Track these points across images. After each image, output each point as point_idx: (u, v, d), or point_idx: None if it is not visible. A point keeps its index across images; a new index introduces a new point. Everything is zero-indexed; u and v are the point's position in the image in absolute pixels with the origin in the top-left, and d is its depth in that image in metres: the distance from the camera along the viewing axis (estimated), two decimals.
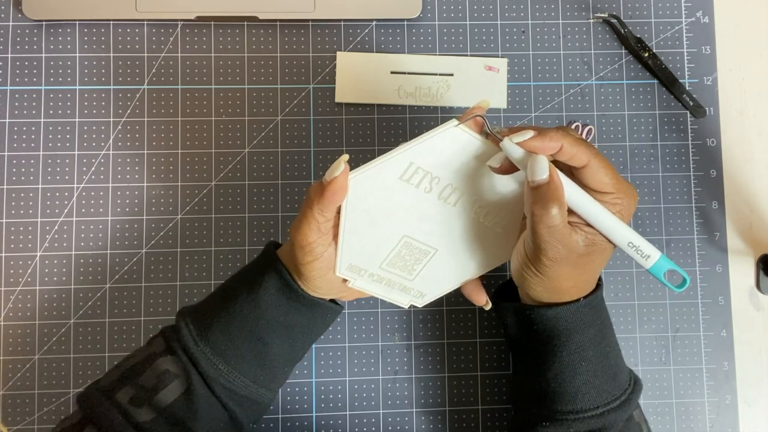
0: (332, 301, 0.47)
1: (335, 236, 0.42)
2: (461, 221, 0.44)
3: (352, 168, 0.40)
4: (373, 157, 0.58)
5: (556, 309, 0.42)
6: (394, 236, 0.43)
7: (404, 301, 0.48)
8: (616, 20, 0.57)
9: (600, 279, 0.45)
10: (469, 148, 0.41)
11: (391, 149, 0.40)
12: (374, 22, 0.58)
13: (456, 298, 0.56)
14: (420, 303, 0.48)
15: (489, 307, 0.48)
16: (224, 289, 0.46)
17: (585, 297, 0.42)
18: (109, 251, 0.55)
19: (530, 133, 0.38)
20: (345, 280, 0.45)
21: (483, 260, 0.46)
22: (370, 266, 0.44)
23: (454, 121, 0.39)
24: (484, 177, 0.42)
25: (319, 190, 0.39)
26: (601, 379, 0.42)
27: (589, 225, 0.40)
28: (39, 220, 0.55)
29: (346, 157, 0.39)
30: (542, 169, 0.38)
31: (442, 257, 0.45)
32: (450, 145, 0.40)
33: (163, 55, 0.57)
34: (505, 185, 0.43)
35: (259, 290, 0.43)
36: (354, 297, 0.48)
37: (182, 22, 0.57)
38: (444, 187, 0.42)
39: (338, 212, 0.41)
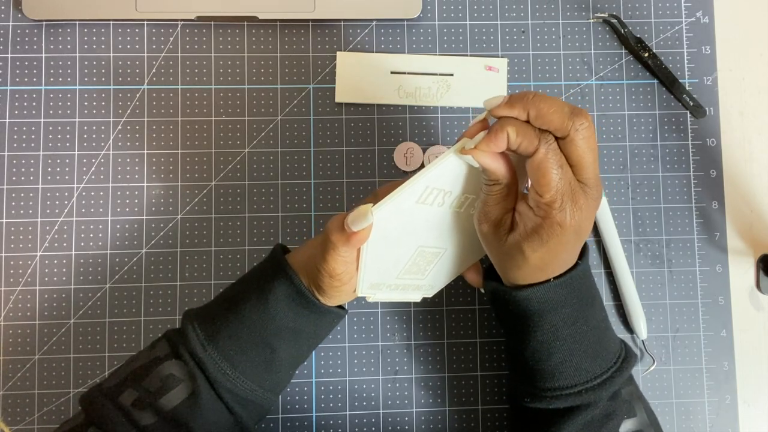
0: (338, 306, 0.47)
1: (357, 259, 0.43)
2: (466, 219, 0.45)
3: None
4: (372, 158, 0.58)
5: (526, 290, 0.41)
6: (410, 250, 0.44)
7: (417, 297, 0.50)
8: (616, 20, 0.57)
9: (582, 255, 0.43)
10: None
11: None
12: (374, 22, 0.58)
13: (456, 297, 0.56)
14: (431, 294, 0.51)
15: None
16: (232, 293, 0.46)
17: (556, 277, 0.41)
18: (109, 251, 0.55)
19: (481, 135, 0.38)
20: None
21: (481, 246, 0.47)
22: (388, 279, 0.45)
23: (466, 140, 0.39)
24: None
25: (343, 236, 0.39)
26: (578, 358, 0.42)
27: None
28: (39, 220, 0.55)
29: (370, 206, 0.39)
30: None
31: (450, 253, 0.47)
32: (462, 163, 0.40)
33: (163, 55, 0.57)
34: None
35: (269, 296, 0.43)
36: None
37: (182, 22, 0.57)
38: (455, 198, 0.42)
39: None
